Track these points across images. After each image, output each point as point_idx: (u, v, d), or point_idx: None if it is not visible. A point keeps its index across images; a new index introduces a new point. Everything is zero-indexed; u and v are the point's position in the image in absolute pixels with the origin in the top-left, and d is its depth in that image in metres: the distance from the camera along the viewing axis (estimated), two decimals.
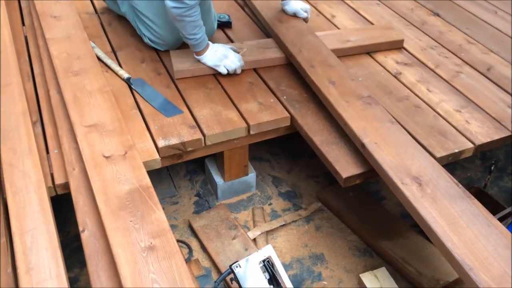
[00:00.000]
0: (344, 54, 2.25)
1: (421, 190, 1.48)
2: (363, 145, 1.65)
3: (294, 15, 2.29)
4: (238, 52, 2.08)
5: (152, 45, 2.19)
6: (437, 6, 2.75)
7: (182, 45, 2.17)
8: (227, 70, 2.03)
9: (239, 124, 1.85)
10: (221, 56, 2.02)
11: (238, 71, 2.06)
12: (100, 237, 1.41)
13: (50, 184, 1.59)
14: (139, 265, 1.28)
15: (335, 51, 2.22)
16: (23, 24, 2.36)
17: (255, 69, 2.13)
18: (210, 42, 2.03)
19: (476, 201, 1.57)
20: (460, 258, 1.30)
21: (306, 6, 2.32)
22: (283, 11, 2.32)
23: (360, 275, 1.75)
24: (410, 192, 1.47)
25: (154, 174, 1.60)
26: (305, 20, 2.31)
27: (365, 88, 1.90)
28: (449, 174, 1.64)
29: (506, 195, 2.15)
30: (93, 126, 1.69)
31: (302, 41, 2.13)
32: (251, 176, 2.09)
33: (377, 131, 1.69)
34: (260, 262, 1.53)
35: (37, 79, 2.01)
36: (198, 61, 2.04)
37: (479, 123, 1.90)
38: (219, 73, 2.05)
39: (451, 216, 1.41)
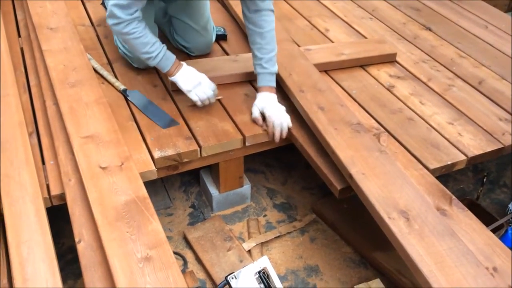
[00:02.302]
0: (337, 67, 2.28)
1: (409, 225, 1.44)
2: (350, 176, 1.61)
3: (262, 116, 1.90)
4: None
5: (126, 57, 2.18)
6: (428, 20, 2.79)
7: None
8: (198, 98, 1.87)
9: (235, 136, 1.86)
10: (194, 82, 1.86)
11: (212, 101, 1.91)
12: (96, 248, 1.41)
13: (46, 195, 1.59)
14: (135, 276, 1.29)
15: (329, 64, 2.25)
16: (19, 36, 2.37)
17: (250, 82, 2.15)
18: (184, 63, 1.88)
19: (469, 212, 1.59)
20: None
21: (281, 118, 1.86)
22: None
23: (355, 286, 1.76)
24: (397, 227, 1.43)
25: (149, 186, 1.61)
26: (271, 134, 1.87)
27: (354, 115, 1.87)
28: (444, 187, 1.66)
29: (498, 207, 2.17)
30: (89, 137, 1.70)
31: (292, 64, 2.11)
32: (246, 188, 2.10)
33: (365, 160, 1.65)
34: (256, 273, 1.53)
35: (33, 91, 2.01)
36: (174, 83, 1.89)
37: (471, 135, 1.93)
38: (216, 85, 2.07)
39: (439, 254, 1.36)
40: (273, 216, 2.10)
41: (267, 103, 1.88)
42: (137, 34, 1.74)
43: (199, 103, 1.89)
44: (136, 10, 1.72)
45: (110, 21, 1.73)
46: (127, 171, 1.59)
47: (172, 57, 1.84)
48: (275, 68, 1.91)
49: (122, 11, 1.70)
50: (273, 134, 1.87)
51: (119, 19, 1.70)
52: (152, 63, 1.83)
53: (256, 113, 1.90)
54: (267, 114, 1.87)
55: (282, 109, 1.89)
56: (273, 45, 1.90)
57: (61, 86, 1.92)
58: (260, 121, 1.89)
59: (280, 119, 1.85)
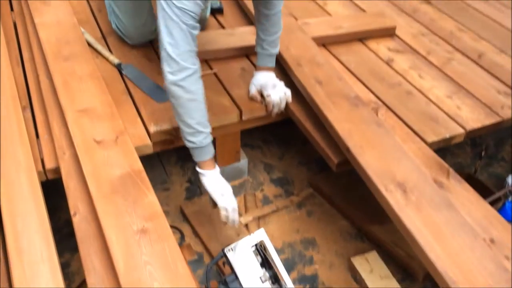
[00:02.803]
0: (336, 40, 2.25)
1: (406, 197, 1.43)
2: (347, 149, 1.60)
3: (260, 94, 1.86)
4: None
5: (119, 33, 2.12)
6: None
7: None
8: (224, 206, 1.57)
9: (231, 110, 1.84)
10: (220, 188, 1.59)
11: (233, 218, 1.59)
12: (92, 221, 1.40)
13: (41, 169, 1.58)
14: (132, 248, 1.28)
15: (327, 37, 2.21)
16: (12, 10, 2.33)
17: (247, 56, 2.12)
18: (218, 167, 1.62)
19: (467, 184, 1.58)
20: (443, 270, 1.25)
21: (280, 96, 1.82)
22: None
23: (351, 258, 1.76)
24: (394, 199, 1.42)
25: (145, 161, 1.60)
26: (268, 109, 1.85)
27: (352, 89, 1.84)
28: (441, 160, 1.65)
29: (496, 180, 2.17)
30: (83, 111, 1.68)
31: (290, 38, 2.07)
32: (243, 163, 2.09)
33: (363, 134, 1.64)
34: (253, 245, 1.53)
35: (27, 65, 1.98)
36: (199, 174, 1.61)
37: (470, 109, 1.91)
38: (211, 59, 2.04)
39: (436, 226, 1.36)
40: (270, 190, 2.09)
41: (265, 81, 1.85)
42: (193, 94, 1.48)
43: (224, 212, 1.58)
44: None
45: (166, 69, 1.44)
46: (122, 144, 1.58)
47: (212, 148, 1.58)
48: (276, 50, 1.85)
49: (179, 54, 1.42)
50: (271, 112, 1.85)
51: (177, 64, 1.42)
52: (191, 141, 1.53)
53: (253, 91, 1.87)
54: (265, 93, 1.84)
55: (281, 85, 1.86)
56: (278, 27, 1.81)
57: (55, 59, 1.89)
58: (258, 98, 1.87)
59: (279, 97, 1.83)
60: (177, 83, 1.45)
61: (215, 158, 1.99)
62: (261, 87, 1.85)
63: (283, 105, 1.85)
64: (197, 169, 1.60)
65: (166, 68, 1.44)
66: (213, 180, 1.59)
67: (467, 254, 1.29)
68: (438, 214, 1.40)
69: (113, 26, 2.14)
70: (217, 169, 1.61)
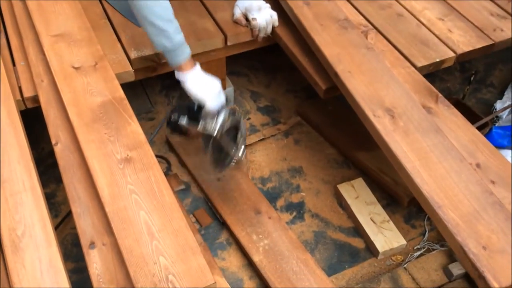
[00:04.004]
0: None
1: (394, 122, 1.41)
2: (335, 74, 1.56)
3: (245, 17, 1.77)
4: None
5: None
6: None
7: None
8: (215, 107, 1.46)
9: (216, 35, 1.77)
10: (207, 86, 1.46)
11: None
12: (74, 150, 1.37)
13: (19, 97, 1.52)
14: (116, 176, 1.26)
15: None
16: None
17: None
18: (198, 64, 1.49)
19: (455, 110, 1.56)
20: (429, 195, 1.25)
21: (266, 19, 1.74)
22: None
23: (338, 185, 1.77)
24: (382, 125, 1.41)
25: (128, 89, 1.54)
26: (254, 33, 1.78)
27: (341, 11, 1.77)
28: (430, 85, 1.62)
29: (484, 106, 2.16)
30: (60, 35, 1.60)
31: None
32: (229, 91, 2.04)
33: (352, 58, 1.59)
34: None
35: None
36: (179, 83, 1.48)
37: (462, 32, 1.86)
38: None
39: (423, 150, 1.35)
40: (257, 119, 2.06)
41: (249, 4, 1.76)
42: None
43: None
44: None
45: None
46: (102, 71, 1.52)
47: (187, 47, 1.45)
48: None
49: None
50: (257, 36, 1.78)
51: None
52: (164, 43, 1.39)
53: (237, 14, 1.79)
54: (250, 16, 1.76)
55: (266, 7, 1.77)
56: None
57: None
58: (243, 22, 1.79)
59: (265, 20, 1.75)
60: None
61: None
62: (246, 10, 1.77)
63: (269, 29, 1.78)
64: (177, 76, 1.45)
65: None
66: (197, 79, 1.44)
67: (453, 178, 1.30)
68: (426, 139, 1.39)
69: None
70: (198, 65, 1.46)
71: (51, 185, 1.76)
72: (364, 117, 1.47)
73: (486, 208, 1.24)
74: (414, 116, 1.45)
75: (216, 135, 1.43)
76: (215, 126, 1.43)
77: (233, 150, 1.47)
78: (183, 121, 1.47)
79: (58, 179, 1.74)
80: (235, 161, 1.47)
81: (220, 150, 1.47)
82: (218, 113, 1.45)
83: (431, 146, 1.37)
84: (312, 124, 2.03)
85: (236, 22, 1.80)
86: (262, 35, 1.78)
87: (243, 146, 1.49)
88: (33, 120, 1.56)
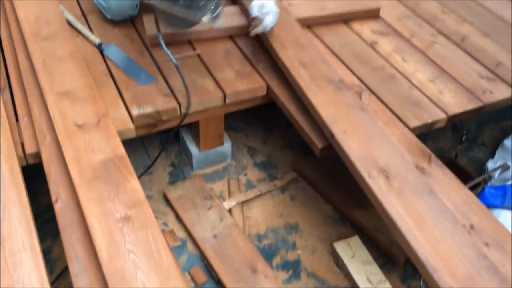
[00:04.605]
0: (320, 22, 2.23)
1: (388, 183, 1.44)
2: (332, 134, 1.60)
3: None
4: None
5: (100, 8, 2.07)
6: None
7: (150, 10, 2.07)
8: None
9: (215, 93, 1.82)
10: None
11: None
12: (74, 207, 1.38)
13: (21, 153, 1.55)
14: (114, 235, 1.27)
15: (311, 19, 2.19)
16: None
17: (231, 37, 2.09)
18: None
19: (448, 170, 1.60)
20: (425, 258, 1.26)
21: (270, 6, 1.85)
22: None
23: (334, 243, 1.78)
24: (377, 186, 1.43)
25: (127, 144, 1.58)
26: (249, 27, 1.89)
27: (336, 72, 1.83)
28: (423, 145, 1.66)
29: (476, 165, 2.20)
30: (64, 93, 1.64)
31: None
32: (227, 146, 2.08)
33: (347, 118, 1.63)
34: None
35: (4, 44, 1.92)
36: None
37: (453, 93, 1.92)
38: (194, 40, 2.01)
39: (418, 212, 1.37)
40: (253, 174, 2.09)
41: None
42: None
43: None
44: None
45: None
46: (104, 128, 1.55)
47: None
48: None
49: None
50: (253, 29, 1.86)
51: None
52: None
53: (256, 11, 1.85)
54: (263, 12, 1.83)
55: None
56: None
57: (34, 39, 1.84)
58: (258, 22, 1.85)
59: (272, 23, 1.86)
60: None
61: (198, 142, 1.99)
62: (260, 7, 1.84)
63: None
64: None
65: None
66: None
67: (448, 242, 1.31)
68: (420, 201, 1.41)
69: (94, 0, 2.08)
70: None
71: (47, 240, 1.76)
72: (360, 177, 1.50)
73: (481, 272, 1.26)
74: (408, 178, 1.47)
75: None
76: None
77: None
78: None
79: (55, 234, 1.74)
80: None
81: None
82: None
83: (425, 208, 1.39)
84: (308, 180, 2.06)
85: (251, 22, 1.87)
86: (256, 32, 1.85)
87: None
88: (31, 173, 1.58)
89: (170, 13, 1.57)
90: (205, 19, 1.58)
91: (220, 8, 1.61)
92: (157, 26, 1.73)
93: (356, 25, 2.27)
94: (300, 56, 1.88)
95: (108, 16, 2.06)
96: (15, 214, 1.31)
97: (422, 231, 1.33)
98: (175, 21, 1.64)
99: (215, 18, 1.61)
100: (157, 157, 1.89)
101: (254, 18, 1.85)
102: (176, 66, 1.70)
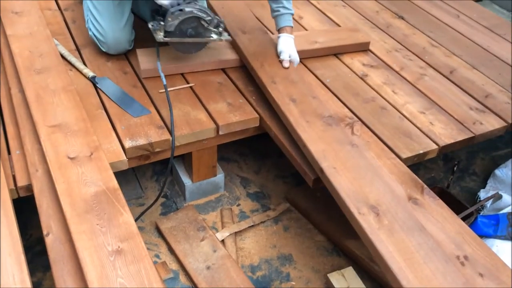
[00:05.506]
0: (311, 55, 2.27)
1: (378, 220, 1.43)
2: (321, 170, 1.59)
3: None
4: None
5: (95, 41, 2.10)
6: (401, 9, 2.80)
7: (143, 45, 2.11)
8: None
9: (208, 125, 1.84)
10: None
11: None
12: (65, 241, 1.37)
13: (12, 186, 1.54)
14: (106, 269, 1.25)
15: (302, 52, 2.22)
16: None
17: (223, 69, 2.12)
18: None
19: (440, 201, 1.60)
20: None
21: (294, 55, 2.05)
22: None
23: (328, 275, 1.76)
24: (367, 223, 1.42)
25: (120, 175, 1.57)
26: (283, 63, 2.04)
27: (326, 108, 1.85)
28: (416, 176, 1.67)
29: (468, 195, 2.21)
30: (57, 126, 1.65)
31: (265, 55, 2.06)
32: (220, 177, 2.08)
33: (337, 154, 1.64)
34: None
35: None
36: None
37: (443, 124, 1.95)
38: (188, 73, 2.03)
39: (408, 250, 1.36)
40: (246, 205, 2.08)
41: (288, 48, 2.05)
42: None
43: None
44: None
45: None
46: (96, 161, 1.55)
47: None
48: (293, 11, 2.07)
49: None
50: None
51: None
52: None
53: (285, 56, 2.04)
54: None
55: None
56: None
57: (27, 73, 1.86)
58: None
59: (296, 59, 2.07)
60: None
61: (191, 173, 1.99)
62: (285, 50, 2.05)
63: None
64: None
65: None
66: None
67: (439, 280, 1.29)
68: (411, 238, 1.39)
69: (90, 33, 2.10)
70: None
71: (37, 274, 1.73)
72: (349, 214, 1.48)
73: None
74: (398, 214, 1.46)
75: (174, 30, 1.82)
76: (169, 22, 1.82)
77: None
78: (151, 25, 1.87)
79: (45, 267, 1.73)
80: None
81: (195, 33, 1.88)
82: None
83: (416, 246, 1.37)
84: (301, 210, 2.06)
85: (281, 62, 2.05)
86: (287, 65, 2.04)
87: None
88: (22, 205, 1.57)
89: (182, 43, 1.92)
90: (213, 37, 1.92)
91: (221, 24, 1.92)
92: (158, 56, 1.96)
93: (347, 58, 2.31)
94: (290, 92, 1.90)
95: (104, 49, 2.09)
96: (6, 247, 1.29)
97: (413, 270, 1.31)
98: (188, 47, 1.97)
99: (220, 33, 1.93)
100: (156, 199, 1.89)
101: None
102: (166, 90, 1.85)
